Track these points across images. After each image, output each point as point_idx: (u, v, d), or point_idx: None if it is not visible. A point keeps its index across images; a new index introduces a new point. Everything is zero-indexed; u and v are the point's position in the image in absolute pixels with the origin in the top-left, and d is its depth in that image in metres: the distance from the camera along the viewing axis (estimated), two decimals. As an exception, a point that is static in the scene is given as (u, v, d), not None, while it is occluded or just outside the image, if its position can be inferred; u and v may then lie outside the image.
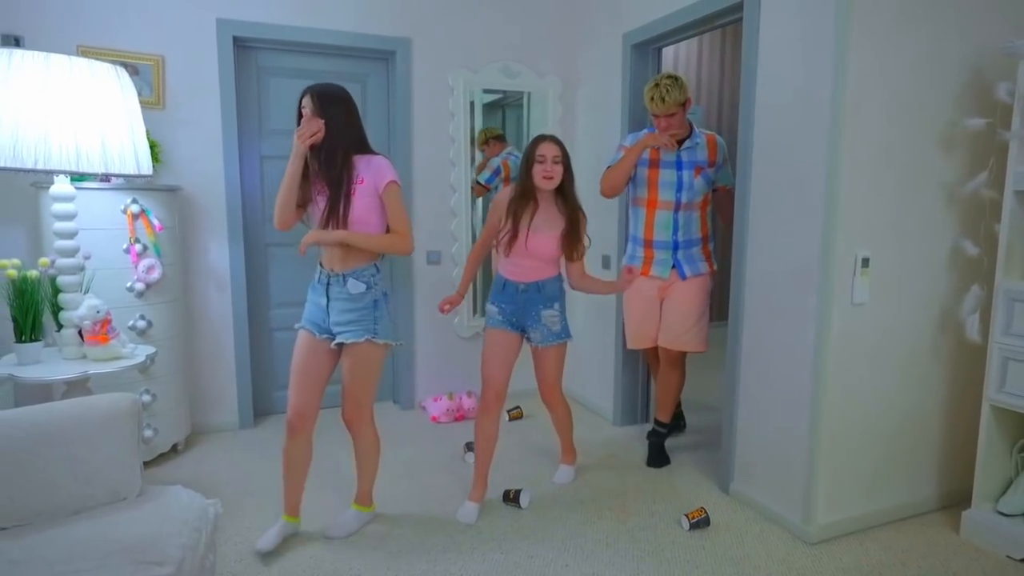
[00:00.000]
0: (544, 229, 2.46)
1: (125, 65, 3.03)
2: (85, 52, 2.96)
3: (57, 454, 1.66)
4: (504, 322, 2.55)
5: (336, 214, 2.12)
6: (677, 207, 2.88)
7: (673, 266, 2.93)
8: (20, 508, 1.60)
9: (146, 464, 2.92)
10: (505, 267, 2.54)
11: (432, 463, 3.04)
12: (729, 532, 2.43)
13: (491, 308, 2.58)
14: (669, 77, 2.77)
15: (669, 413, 3.09)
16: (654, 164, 2.89)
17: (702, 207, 2.94)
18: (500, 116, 4.11)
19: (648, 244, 2.95)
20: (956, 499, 2.60)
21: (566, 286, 2.63)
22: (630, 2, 3.35)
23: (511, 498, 2.62)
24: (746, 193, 2.59)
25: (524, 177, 2.43)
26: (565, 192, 2.47)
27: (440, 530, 2.44)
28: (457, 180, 3.78)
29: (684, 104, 2.77)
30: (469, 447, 3.08)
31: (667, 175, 2.87)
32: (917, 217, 2.38)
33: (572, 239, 2.48)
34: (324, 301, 2.19)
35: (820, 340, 2.29)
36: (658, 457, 3.04)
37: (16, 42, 2.88)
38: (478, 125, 3.86)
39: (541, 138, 2.44)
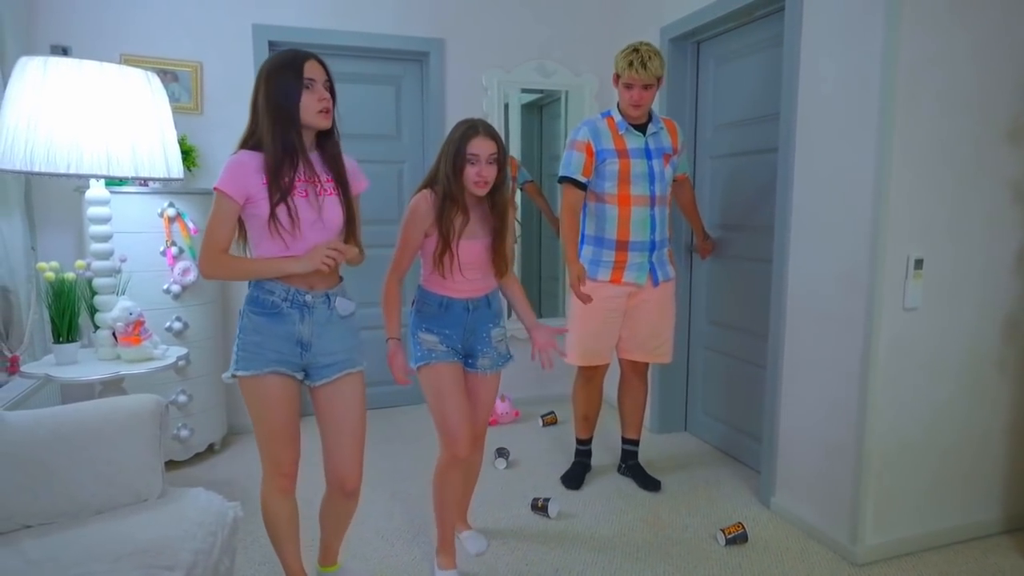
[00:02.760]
0: (480, 235, 1.99)
1: (165, 72, 3.14)
2: (128, 60, 3.04)
3: (81, 454, 1.67)
4: (450, 352, 2.00)
5: (353, 222, 1.76)
6: (653, 202, 2.54)
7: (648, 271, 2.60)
8: (45, 507, 1.62)
9: (182, 464, 2.98)
10: (443, 284, 2.00)
11: (462, 468, 2.99)
12: (768, 549, 2.30)
13: (427, 337, 2.00)
14: (648, 44, 2.48)
15: (639, 428, 2.86)
16: (623, 154, 2.50)
17: (667, 203, 2.64)
18: (538, 116, 4.05)
19: (623, 246, 2.55)
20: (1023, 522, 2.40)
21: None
22: (668, -5, 3.24)
23: (539, 507, 2.55)
24: (788, 190, 2.45)
25: (451, 178, 1.91)
26: (495, 194, 1.96)
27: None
28: (491, 181, 3.73)
29: (660, 79, 2.48)
30: (499, 453, 3.02)
31: (638, 166, 2.51)
32: (978, 216, 2.20)
33: (499, 250, 2.00)
34: (299, 331, 1.70)
35: (868, 347, 2.14)
36: (647, 480, 2.78)
37: (64, 52, 2.98)
38: (515, 126, 3.81)
39: (472, 129, 1.90)
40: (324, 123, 1.66)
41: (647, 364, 2.80)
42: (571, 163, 2.54)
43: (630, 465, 2.86)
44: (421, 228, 1.96)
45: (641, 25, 3.47)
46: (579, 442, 2.90)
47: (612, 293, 2.60)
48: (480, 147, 1.89)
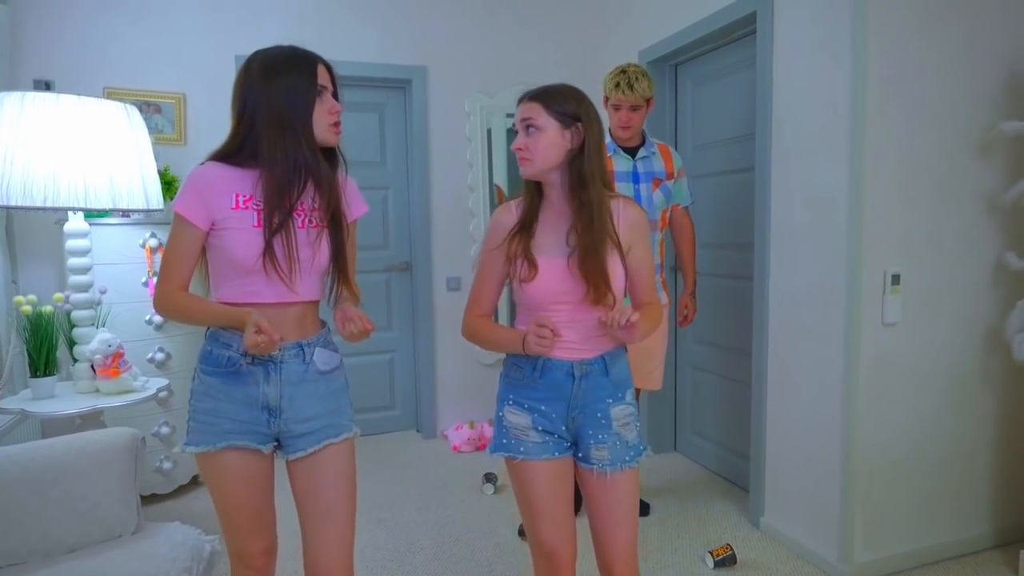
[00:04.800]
0: (561, 246, 1.42)
1: (148, 104, 3.15)
2: (111, 93, 3.06)
3: (52, 491, 1.65)
4: (546, 442, 1.44)
5: (344, 263, 1.43)
6: None
7: None
8: (16, 546, 1.60)
9: (164, 497, 2.93)
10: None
11: (448, 494, 2.96)
12: (757, 571, 2.27)
13: (515, 417, 1.46)
14: (636, 65, 2.45)
15: None
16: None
17: (661, 228, 2.52)
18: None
19: None
20: (1014, 536, 2.37)
21: None
22: (645, 19, 3.29)
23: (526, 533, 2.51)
24: (766, 209, 2.47)
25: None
26: (578, 177, 1.39)
27: (451, 566, 2.35)
28: (476, 205, 3.75)
29: (649, 101, 2.44)
30: (487, 478, 2.99)
31: (624, 189, 2.41)
32: (955, 229, 2.22)
33: (594, 263, 1.37)
34: (264, 393, 1.36)
35: (849, 363, 2.14)
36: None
37: (47, 86, 3.00)
38: (500, 151, 3.84)
39: (520, 98, 1.46)
40: (335, 139, 1.39)
41: (638, 391, 2.69)
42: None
43: None
44: (497, 241, 1.46)
45: (620, 48, 3.51)
46: None
47: None
48: (518, 114, 1.43)
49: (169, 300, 1.36)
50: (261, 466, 1.41)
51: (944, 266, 2.21)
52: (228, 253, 1.33)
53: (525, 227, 1.44)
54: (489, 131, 3.76)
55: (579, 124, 1.39)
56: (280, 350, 1.35)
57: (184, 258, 1.35)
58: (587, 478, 1.47)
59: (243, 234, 1.31)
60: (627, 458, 1.45)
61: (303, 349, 1.39)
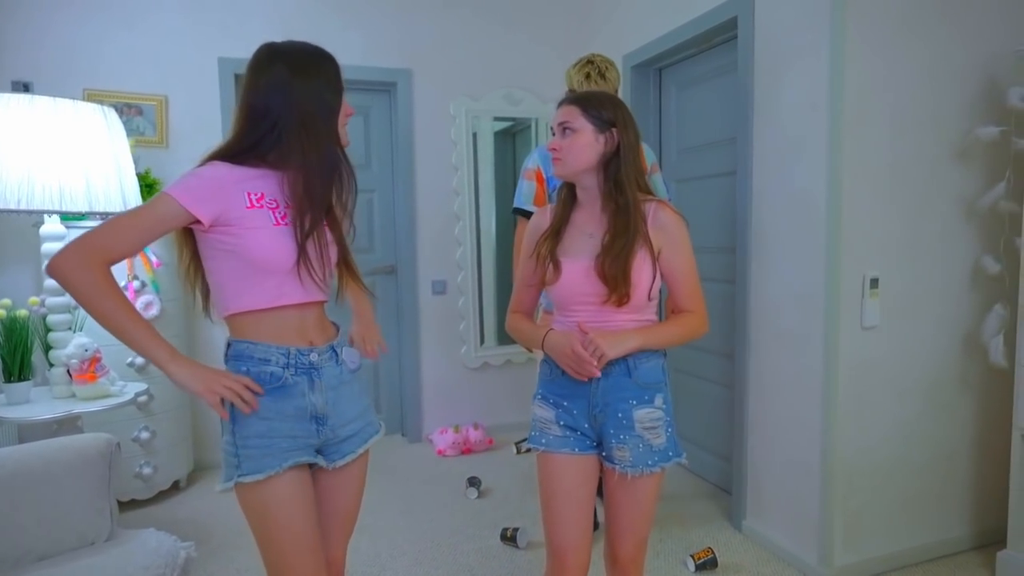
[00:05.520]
0: (590, 248, 1.43)
1: (130, 106, 3.13)
2: (91, 95, 3.04)
3: (23, 497, 1.63)
4: (568, 436, 1.46)
5: (351, 258, 1.43)
6: None
7: None
8: (-15, 554, 1.58)
9: (144, 503, 2.90)
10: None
11: (432, 499, 2.94)
12: (738, 574, 2.27)
13: (541, 410, 1.50)
14: (601, 55, 2.31)
15: None
16: None
17: None
18: (511, 143, 4.09)
19: None
20: (991, 538, 2.38)
21: None
22: (629, 23, 3.30)
23: (508, 536, 2.50)
24: (747, 212, 2.48)
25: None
26: (613, 181, 1.42)
27: (433, 570, 2.33)
28: (461, 208, 3.74)
29: (616, 92, 2.28)
30: (471, 482, 2.98)
31: None
32: (933, 233, 2.23)
33: (614, 263, 1.38)
34: (312, 402, 1.30)
35: (828, 367, 2.15)
36: None
37: (25, 88, 2.97)
38: (486, 155, 3.83)
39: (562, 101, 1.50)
40: (347, 140, 1.37)
41: None
42: (522, 193, 2.40)
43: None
44: (532, 247, 1.51)
45: (605, 52, 3.48)
46: None
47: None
48: (556, 117, 1.47)
49: (89, 267, 1.13)
50: (311, 483, 1.32)
51: (922, 270, 2.23)
52: (251, 254, 1.23)
53: (555, 230, 1.48)
54: (475, 135, 3.76)
55: (614, 129, 1.43)
56: (317, 355, 1.31)
57: (140, 234, 1.17)
58: (609, 476, 1.49)
59: (264, 233, 1.23)
60: (650, 462, 1.44)
61: (334, 351, 1.36)
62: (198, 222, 1.20)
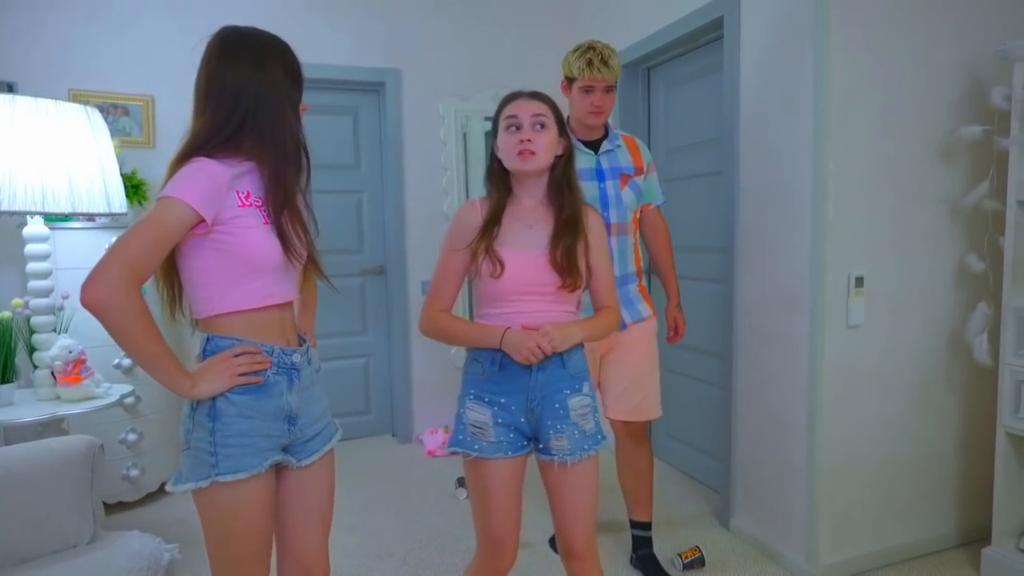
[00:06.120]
0: (535, 241, 1.49)
1: (116, 106, 3.11)
2: (76, 95, 3.02)
3: (5, 500, 1.62)
4: (503, 441, 1.47)
5: (314, 254, 1.40)
6: (608, 231, 1.91)
7: None
8: (-35, 558, 1.57)
9: (132, 505, 2.88)
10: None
11: (421, 499, 2.94)
12: (725, 572, 2.28)
13: (475, 413, 1.49)
14: (602, 42, 2.14)
15: (649, 507, 2.33)
16: None
17: (634, 232, 2.23)
18: (499, 143, 4.08)
19: None
20: (977, 535, 2.40)
21: None
22: (617, 22, 3.31)
23: (497, 537, 2.50)
24: (733, 212, 2.49)
25: (490, 159, 1.54)
26: (561, 176, 1.51)
27: (420, 571, 2.33)
28: (450, 208, 3.74)
29: (615, 84, 2.13)
30: (460, 483, 2.98)
31: (588, 189, 1.96)
32: (917, 232, 2.24)
33: (566, 254, 1.46)
34: (287, 402, 1.29)
35: (813, 365, 2.16)
36: (659, 573, 2.25)
37: (10, 88, 2.95)
38: (476, 154, 3.83)
39: (511, 95, 1.50)
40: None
41: (644, 425, 2.30)
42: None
43: (642, 556, 2.31)
44: (463, 242, 1.49)
45: (594, 53, 3.53)
46: (637, 526, 2.39)
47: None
48: (520, 108, 1.46)
49: (129, 296, 1.11)
50: (272, 485, 1.30)
51: (907, 269, 2.24)
52: (244, 253, 1.22)
53: (491, 225, 1.49)
54: (464, 135, 3.76)
55: (564, 135, 1.53)
56: (298, 356, 1.31)
57: (165, 244, 1.14)
58: (547, 469, 1.52)
59: (257, 232, 1.22)
60: (586, 447, 1.50)
61: (308, 351, 1.36)
62: (201, 223, 1.17)
